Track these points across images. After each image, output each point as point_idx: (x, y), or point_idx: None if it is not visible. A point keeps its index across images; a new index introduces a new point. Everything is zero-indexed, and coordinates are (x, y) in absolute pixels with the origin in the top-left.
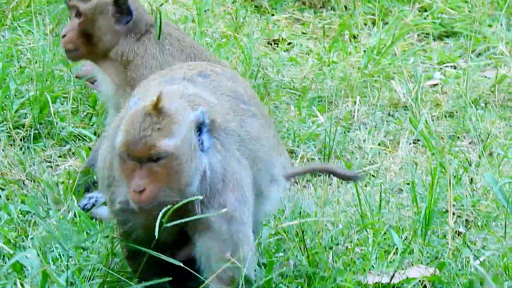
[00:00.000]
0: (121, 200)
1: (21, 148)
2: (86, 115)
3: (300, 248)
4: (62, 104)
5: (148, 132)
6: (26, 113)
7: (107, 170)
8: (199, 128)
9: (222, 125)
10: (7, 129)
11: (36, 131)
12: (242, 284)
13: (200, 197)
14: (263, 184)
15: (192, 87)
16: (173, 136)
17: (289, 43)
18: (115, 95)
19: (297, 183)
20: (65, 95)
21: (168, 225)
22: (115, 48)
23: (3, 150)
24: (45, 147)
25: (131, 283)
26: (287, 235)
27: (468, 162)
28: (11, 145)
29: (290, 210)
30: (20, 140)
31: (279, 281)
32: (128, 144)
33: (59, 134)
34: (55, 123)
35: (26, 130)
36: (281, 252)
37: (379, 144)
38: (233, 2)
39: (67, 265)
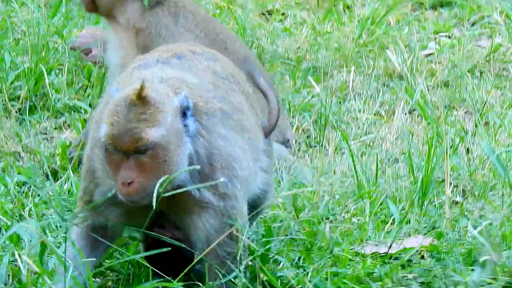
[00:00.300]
0: (104, 191)
1: (16, 120)
2: (81, 87)
3: (296, 219)
4: (57, 76)
5: (134, 124)
6: (21, 85)
7: (88, 160)
8: (184, 113)
9: (204, 107)
10: (2, 101)
11: (32, 103)
12: (240, 257)
13: (199, 186)
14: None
15: (170, 69)
16: (160, 125)
17: (283, 14)
18: (123, 60)
19: (293, 154)
20: (60, 67)
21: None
22: (123, 14)
23: None
24: (40, 119)
25: (128, 253)
26: (284, 207)
27: (464, 132)
28: (6, 117)
29: (287, 181)
30: (16, 112)
31: (276, 252)
32: (114, 137)
33: (54, 106)
34: (50, 95)
35: (22, 102)
36: (278, 222)
37: (374, 114)
38: None
39: (65, 236)
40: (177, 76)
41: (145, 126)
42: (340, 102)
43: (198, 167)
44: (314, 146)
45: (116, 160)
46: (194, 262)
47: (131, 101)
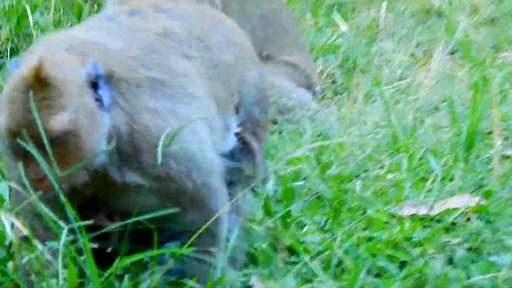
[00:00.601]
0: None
1: None
2: (70, 27)
3: (322, 177)
4: (42, 14)
5: (33, 112)
6: (1, 25)
7: None
8: (94, 84)
9: (125, 75)
10: None
11: (13, 45)
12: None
13: None
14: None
15: (93, 32)
16: (65, 109)
17: None
18: None
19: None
20: (46, 4)
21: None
22: None
23: None
24: None
25: None
26: (307, 162)
27: None
28: None
29: (310, 132)
30: None
31: (299, 215)
32: (14, 131)
33: None
34: (34, 36)
35: (2, 44)
36: (301, 180)
37: (409, 56)
38: None
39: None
40: (93, 41)
41: (48, 114)
42: (369, 43)
43: (110, 147)
44: (341, 93)
45: (21, 154)
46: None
47: (28, 84)
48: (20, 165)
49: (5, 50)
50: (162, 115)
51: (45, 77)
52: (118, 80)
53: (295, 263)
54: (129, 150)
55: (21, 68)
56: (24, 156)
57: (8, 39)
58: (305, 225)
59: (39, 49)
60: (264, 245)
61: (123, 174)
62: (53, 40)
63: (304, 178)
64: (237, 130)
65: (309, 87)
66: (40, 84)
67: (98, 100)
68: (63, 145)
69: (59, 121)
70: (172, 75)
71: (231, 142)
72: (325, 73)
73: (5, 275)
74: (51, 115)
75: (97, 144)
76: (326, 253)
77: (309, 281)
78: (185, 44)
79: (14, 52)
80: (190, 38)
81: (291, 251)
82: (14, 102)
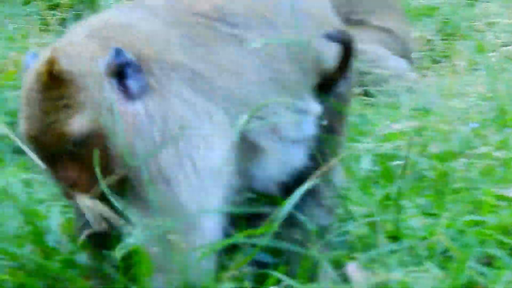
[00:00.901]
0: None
1: (57, 34)
2: None
3: (423, 155)
4: None
5: (52, 116)
6: None
7: None
8: (119, 72)
9: (156, 56)
10: (39, 10)
11: (76, 13)
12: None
13: None
14: (253, 131)
15: (131, 13)
16: (85, 108)
17: None
18: None
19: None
20: None
21: None
22: None
23: (36, 37)
24: None
25: None
26: (406, 139)
27: None
28: (44, 30)
29: (408, 105)
30: (57, 24)
31: (398, 197)
32: (33, 136)
33: None
34: (99, 1)
35: (63, 11)
36: (399, 159)
37: None
38: None
39: None
40: (121, 23)
41: (66, 116)
42: (471, 5)
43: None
44: (440, 62)
45: (46, 158)
46: None
47: (42, 83)
48: (49, 170)
49: (66, 19)
50: (196, 111)
51: (59, 71)
52: (147, 61)
53: (395, 251)
54: (157, 138)
55: (36, 62)
56: (48, 159)
57: (70, 7)
58: (405, 209)
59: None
60: (362, 231)
61: (138, 173)
62: (79, 25)
63: (404, 157)
64: (317, 112)
65: (405, 55)
66: (54, 80)
67: (124, 90)
68: (89, 146)
69: (79, 123)
70: (213, 70)
71: (309, 127)
72: (422, 39)
73: (76, 267)
74: (69, 117)
75: (130, 142)
76: (430, 239)
77: (411, 270)
78: (241, 27)
79: (77, 20)
80: (249, 17)
81: (392, 237)
82: (30, 103)
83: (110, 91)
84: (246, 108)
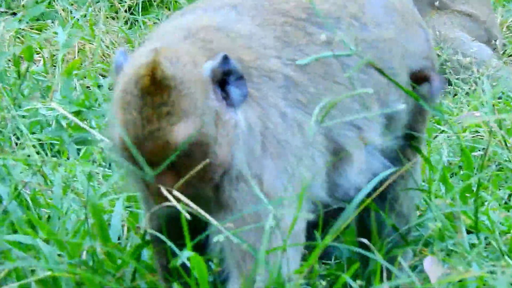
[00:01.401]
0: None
1: (126, 22)
2: None
3: (506, 145)
4: None
5: (154, 124)
6: None
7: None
8: (222, 80)
9: (255, 63)
10: None
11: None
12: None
13: None
14: (341, 137)
15: (212, 15)
16: (189, 115)
17: None
18: None
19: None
20: None
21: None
22: None
23: (103, 25)
24: (158, 19)
25: None
26: (487, 127)
27: None
28: (113, 18)
29: (490, 92)
30: (125, 11)
31: (478, 188)
32: (132, 142)
33: (176, 1)
34: None
35: None
36: (479, 150)
37: None
38: None
39: None
40: (215, 25)
41: (170, 123)
42: None
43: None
44: None
45: (141, 168)
46: None
47: (143, 87)
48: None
49: (136, 5)
50: (290, 122)
51: (163, 77)
52: (248, 68)
53: (473, 245)
54: (258, 150)
55: (133, 63)
56: (147, 167)
57: None
58: (485, 201)
59: (152, 39)
60: (440, 224)
61: (234, 184)
62: (168, 27)
63: (483, 148)
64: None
65: (488, 40)
66: (157, 86)
67: (226, 97)
68: (190, 157)
69: (184, 129)
70: (304, 75)
71: (395, 133)
72: (505, 25)
73: (141, 262)
74: (173, 125)
75: (231, 146)
76: (510, 233)
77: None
78: (330, 28)
79: (146, 8)
80: (340, 18)
81: (471, 231)
82: (130, 108)
83: (214, 98)
84: (336, 111)
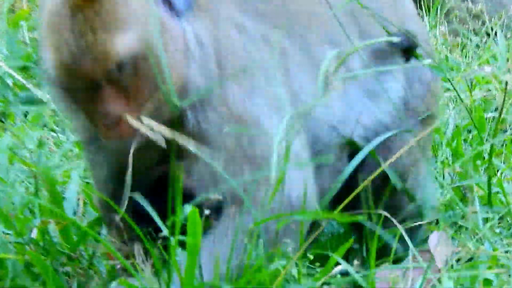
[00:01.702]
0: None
1: None
2: None
3: None
4: None
5: (90, 37)
6: None
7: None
8: None
9: None
10: None
11: None
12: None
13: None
14: (320, 54)
15: None
16: (127, 23)
17: None
18: None
19: None
20: None
21: None
22: None
23: None
24: None
25: None
26: (499, 84)
27: None
28: None
29: (503, 45)
30: None
31: (493, 153)
32: (67, 66)
33: None
34: None
35: None
36: (492, 111)
37: None
38: None
39: None
40: None
41: (108, 32)
42: None
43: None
44: None
45: (82, 96)
46: None
47: (72, 4)
48: (83, 110)
49: None
50: (252, 39)
51: None
52: None
53: (485, 219)
54: (214, 71)
55: None
56: (85, 97)
57: None
58: (498, 170)
59: None
60: (449, 195)
61: (202, 118)
62: None
63: (496, 109)
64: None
65: None
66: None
67: (169, 4)
68: (135, 73)
69: (124, 41)
70: None
71: (394, 87)
72: None
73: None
74: (113, 35)
75: (179, 62)
76: None
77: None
78: None
79: None
80: None
81: (483, 204)
82: (58, 30)
83: (155, 5)
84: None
